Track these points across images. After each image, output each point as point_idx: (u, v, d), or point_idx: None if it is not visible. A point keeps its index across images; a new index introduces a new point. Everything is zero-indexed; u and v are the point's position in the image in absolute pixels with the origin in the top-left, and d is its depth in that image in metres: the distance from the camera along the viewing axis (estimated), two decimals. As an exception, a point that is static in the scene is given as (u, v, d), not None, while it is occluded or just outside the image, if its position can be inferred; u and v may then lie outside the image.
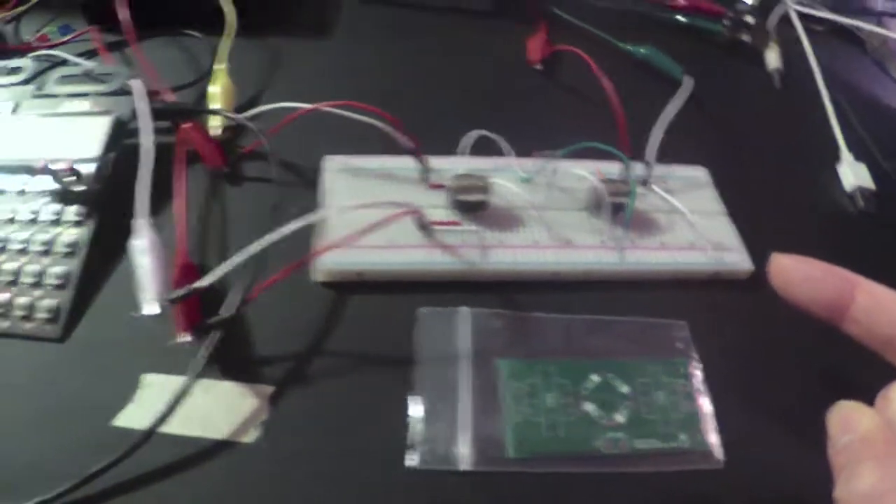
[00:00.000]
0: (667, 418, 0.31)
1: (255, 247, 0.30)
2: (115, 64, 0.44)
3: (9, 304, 0.32)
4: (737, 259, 0.37)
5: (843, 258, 0.39)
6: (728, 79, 0.51)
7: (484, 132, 0.37)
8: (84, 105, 0.38)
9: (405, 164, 0.38)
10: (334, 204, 0.36)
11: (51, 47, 0.46)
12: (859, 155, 0.45)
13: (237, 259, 0.30)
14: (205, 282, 0.30)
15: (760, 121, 0.48)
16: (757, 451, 0.30)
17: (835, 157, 0.45)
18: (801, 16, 0.54)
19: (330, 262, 0.33)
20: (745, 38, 0.52)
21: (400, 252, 0.34)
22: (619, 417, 0.31)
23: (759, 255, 0.37)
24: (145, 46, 0.46)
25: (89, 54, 0.46)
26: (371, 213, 0.32)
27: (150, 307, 0.29)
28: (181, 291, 0.30)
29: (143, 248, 0.31)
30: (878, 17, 0.55)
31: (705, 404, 0.31)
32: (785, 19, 0.54)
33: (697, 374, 0.32)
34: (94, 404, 0.29)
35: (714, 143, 0.45)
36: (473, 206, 0.35)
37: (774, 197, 0.42)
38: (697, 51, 0.52)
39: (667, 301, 0.35)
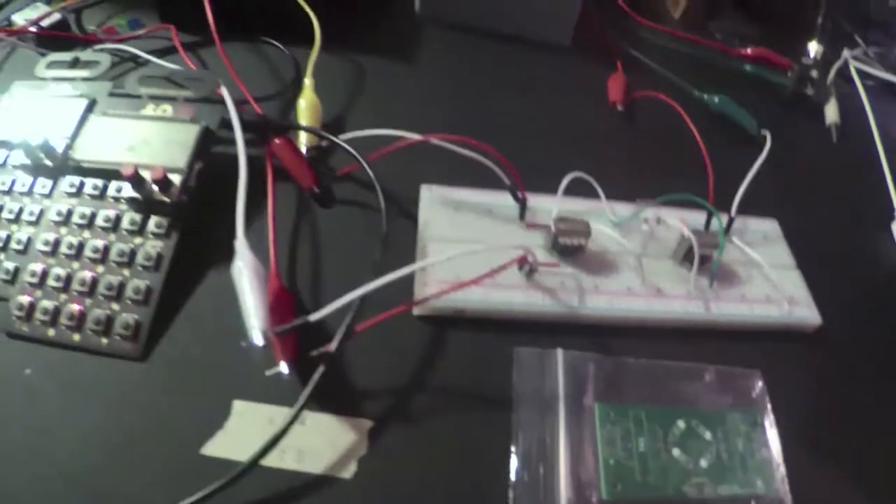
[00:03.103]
0: (745, 465, 0.31)
1: (371, 286, 0.29)
2: (199, 68, 0.42)
3: (82, 317, 0.30)
4: (807, 314, 0.37)
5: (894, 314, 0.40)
6: (792, 132, 0.51)
7: (581, 174, 0.37)
8: (168, 110, 0.36)
9: (501, 200, 0.37)
10: (433, 236, 0.35)
11: (119, 41, 0.44)
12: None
13: (352, 296, 0.29)
14: (317, 316, 0.29)
15: (821, 175, 0.48)
16: (825, 499, 0.31)
17: (889, 214, 0.45)
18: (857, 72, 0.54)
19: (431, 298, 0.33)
20: (809, 91, 0.52)
21: (500, 291, 0.34)
22: (704, 463, 0.31)
23: (824, 309, 0.37)
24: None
25: (161, 53, 0.44)
26: (474, 248, 0.32)
27: (257, 337, 0.27)
28: (292, 324, 0.28)
29: (245, 272, 0.29)
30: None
31: (778, 452, 0.32)
32: (839, 73, 0.55)
33: (771, 423, 0.33)
34: (179, 429, 0.28)
35: (780, 196, 0.45)
36: (573, 249, 0.35)
37: (836, 251, 0.42)
38: (761, 101, 0.52)
39: (743, 351, 0.35)
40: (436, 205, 0.37)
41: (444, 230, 0.36)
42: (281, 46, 0.47)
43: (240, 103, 0.39)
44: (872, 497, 0.32)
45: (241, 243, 0.31)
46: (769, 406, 0.34)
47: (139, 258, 0.32)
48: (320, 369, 0.29)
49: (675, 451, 0.31)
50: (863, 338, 0.38)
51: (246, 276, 0.29)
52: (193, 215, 0.33)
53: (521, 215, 0.37)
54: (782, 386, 0.34)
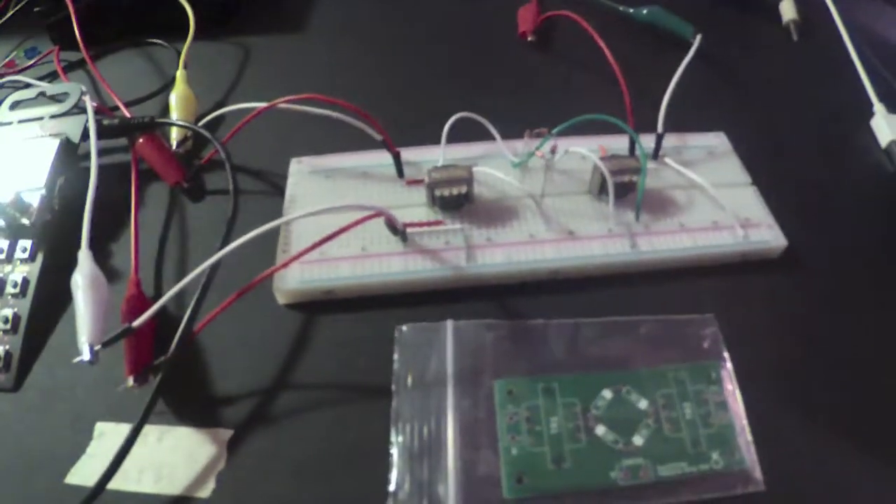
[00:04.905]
0: (696, 436, 0.23)
1: (191, 277, 0.24)
2: (71, 82, 0.38)
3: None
4: (767, 236, 0.29)
5: (882, 222, 0.31)
6: (742, 36, 0.42)
7: (465, 114, 0.30)
8: (36, 130, 0.33)
9: (382, 159, 0.30)
10: (300, 211, 0.29)
11: (18, 72, 0.41)
12: (893, 107, 0.36)
13: (172, 292, 0.24)
14: (138, 322, 0.24)
15: (781, 78, 0.39)
16: (803, 467, 0.23)
17: (867, 111, 0.36)
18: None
19: (294, 280, 0.26)
20: (758, -12, 0.43)
21: (374, 262, 0.27)
22: (638, 440, 0.23)
23: (791, 228, 0.29)
24: (111, 60, 0.41)
25: (53, 76, 0.41)
26: (341, 219, 0.25)
27: (85, 352, 0.23)
28: (113, 335, 0.24)
29: (81, 284, 0.25)
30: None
31: (740, 414, 0.24)
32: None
33: (730, 377, 0.25)
34: (48, 458, 0.24)
35: (732, 107, 0.36)
36: (455, 200, 0.28)
37: (803, 160, 0.34)
38: (706, 8, 0.43)
39: (689, 293, 0.28)
40: (306, 177, 0.31)
41: (312, 203, 0.29)
42: (165, 44, 0.42)
43: (111, 110, 0.36)
44: (862, 455, 0.23)
45: (83, 255, 0.27)
46: (727, 357, 0.25)
47: (7, 286, 0.29)
48: (156, 380, 0.24)
49: (600, 429, 0.23)
50: (842, 258, 0.29)
51: (81, 287, 0.25)
52: (61, 233, 0.30)
53: (399, 172, 0.30)
54: (743, 329, 0.26)
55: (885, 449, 0.23)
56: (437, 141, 0.31)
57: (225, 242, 0.27)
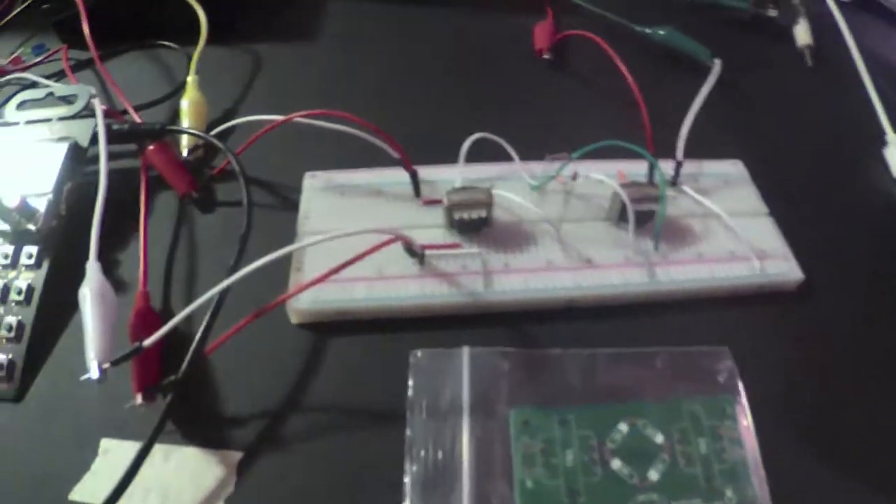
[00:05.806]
0: (710, 471, 0.23)
1: (203, 300, 0.23)
2: (80, 84, 0.37)
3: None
4: (784, 268, 0.28)
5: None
6: (755, 59, 0.41)
7: (484, 135, 0.29)
8: (44, 132, 0.32)
9: (397, 177, 0.30)
10: (312, 230, 0.28)
11: (24, 69, 0.40)
12: (905, 134, 0.35)
13: (183, 314, 0.23)
14: (149, 341, 0.23)
15: (794, 104, 0.38)
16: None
17: (880, 139, 0.36)
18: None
19: (307, 300, 0.26)
20: (772, 12, 0.42)
21: (389, 285, 0.26)
22: (654, 475, 0.23)
23: (806, 260, 0.29)
24: (119, 62, 0.40)
25: (60, 75, 0.40)
26: (357, 239, 0.24)
27: (93, 370, 0.22)
28: (123, 354, 0.23)
29: (89, 298, 0.24)
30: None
31: (754, 449, 0.23)
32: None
33: (744, 412, 0.24)
34: (51, 473, 0.23)
35: (746, 133, 0.36)
36: (474, 224, 0.27)
37: (817, 189, 0.33)
38: (719, 30, 0.43)
39: (705, 324, 0.27)
40: (319, 193, 0.30)
41: (325, 220, 0.29)
42: (176, 47, 0.41)
43: (121, 114, 0.35)
44: (877, 494, 0.23)
45: (91, 266, 0.26)
46: (742, 391, 0.25)
47: (12, 293, 0.28)
48: (166, 400, 0.24)
49: (616, 463, 0.23)
50: (858, 291, 0.29)
51: (89, 301, 0.24)
52: (67, 240, 0.29)
53: (416, 191, 0.29)
54: (759, 363, 0.26)
55: (902, 488, 0.23)
56: (449, 159, 0.30)
57: (239, 259, 0.26)
